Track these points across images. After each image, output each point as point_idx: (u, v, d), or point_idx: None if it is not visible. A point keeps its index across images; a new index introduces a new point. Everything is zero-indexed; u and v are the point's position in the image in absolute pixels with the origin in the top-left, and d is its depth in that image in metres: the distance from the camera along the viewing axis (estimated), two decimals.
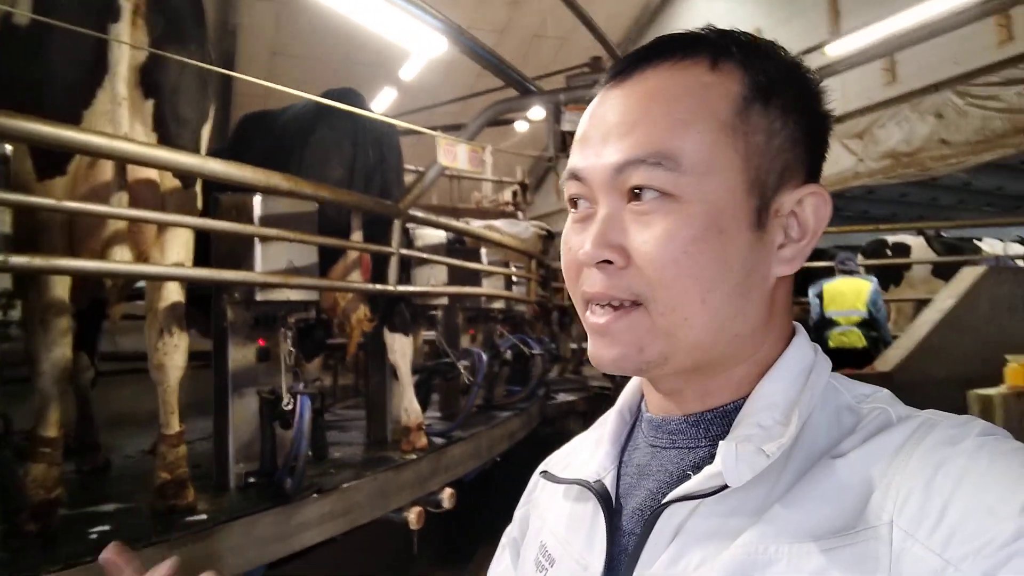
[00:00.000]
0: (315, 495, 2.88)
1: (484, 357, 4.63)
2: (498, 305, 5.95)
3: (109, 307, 2.50)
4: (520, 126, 12.09)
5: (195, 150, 2.59)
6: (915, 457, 0.56)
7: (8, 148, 2.11)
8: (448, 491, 3.91)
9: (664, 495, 0.65)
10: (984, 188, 11.76)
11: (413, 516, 3.50)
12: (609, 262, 0.64)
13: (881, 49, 5.97)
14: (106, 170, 2.36)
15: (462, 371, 4.47)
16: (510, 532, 0.92)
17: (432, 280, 4.51)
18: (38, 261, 2.12)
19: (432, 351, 5.55)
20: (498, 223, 8.85)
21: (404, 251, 3.67)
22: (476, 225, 6.79)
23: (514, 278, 6.43)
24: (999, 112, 8.07)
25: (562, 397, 7.27)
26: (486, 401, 5.58)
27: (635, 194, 0.64)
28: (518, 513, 0.91)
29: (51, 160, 2.28)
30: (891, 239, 9.60)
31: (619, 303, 0.65)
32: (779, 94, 0.66)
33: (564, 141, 6.88)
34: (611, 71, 0.70)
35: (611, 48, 8.10)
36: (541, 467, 0.89)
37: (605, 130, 0.66)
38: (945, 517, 0.52)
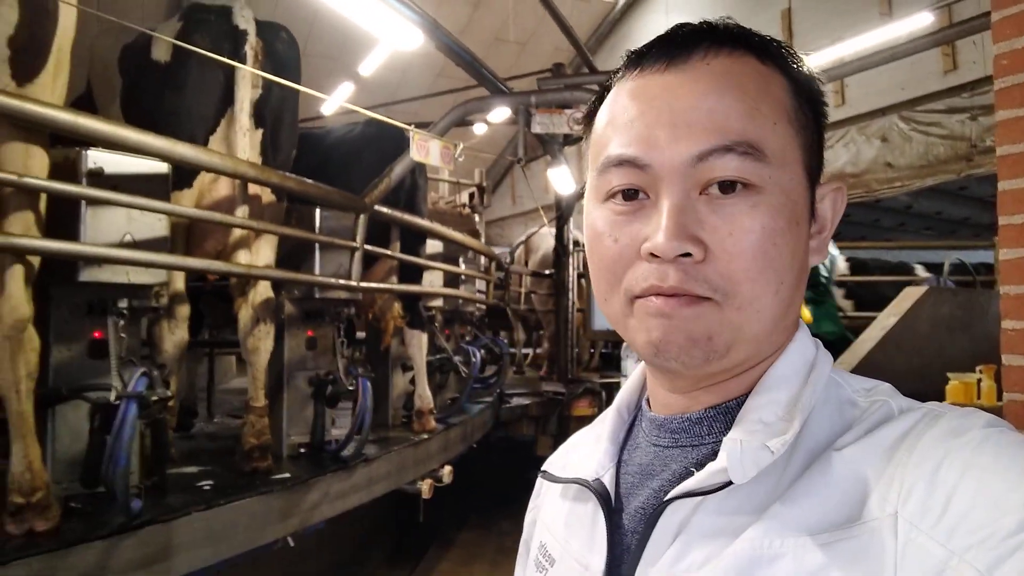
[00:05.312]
0: (363, 463, 3.61)
1: (478, 353, 5.38)
2: (472, 308, 6.72)
3: (233, 300, 3.18)
4: (479, 128, 12.62)
5: (288, 170, 3.28)
6: (919, 449, 0.58)
7: (166, 167, 2.75)
8: (447, 468, 4.69)
9: (667, 493, 0.66)
10: (924, 212, 12.59)
11: (425, 487, 4.27)
12: (688, 255, 0.62)
13: (833, 73, 6.62)
14: (224, 185, 3.05)
15: (459, 365, 5.22)
16: (524, 541, 0.94)
17: (431, 284, 5.24)
18: (170, 259, 2.81)
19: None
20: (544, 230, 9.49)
21: (368, 247, 4.03)
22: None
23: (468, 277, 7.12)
24: (941, 139, 8.76)
25: (516, 401, 7.82)
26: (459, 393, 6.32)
27: (716, 184, 0.63)
28: (527, 518, 0.93)
29: (182, 175, 2.96)
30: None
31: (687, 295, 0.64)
32: (809, 93, 0.70)
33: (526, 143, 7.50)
34: (655, 54, 0.68)
35: (580, 46, 8.70)
36: (543, 467, 0.90)
37: (671, 116, 0.64)
38: (950, 508, 0.53)
